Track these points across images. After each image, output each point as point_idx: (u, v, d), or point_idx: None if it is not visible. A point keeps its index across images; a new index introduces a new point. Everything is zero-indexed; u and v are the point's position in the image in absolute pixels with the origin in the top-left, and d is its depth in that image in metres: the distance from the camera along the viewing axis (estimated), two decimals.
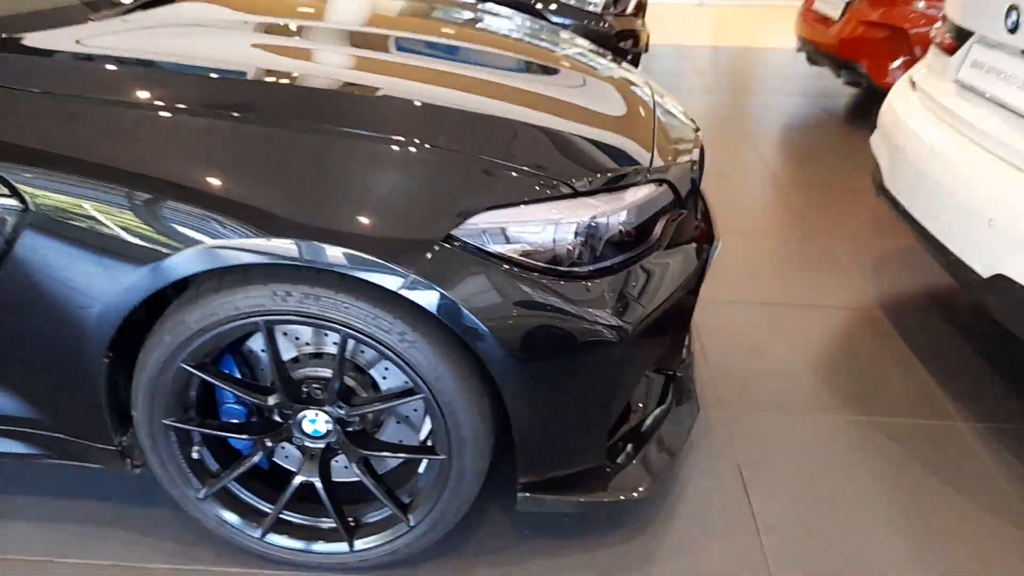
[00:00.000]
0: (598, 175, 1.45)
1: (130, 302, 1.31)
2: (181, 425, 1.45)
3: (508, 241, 1.33)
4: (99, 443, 1.49)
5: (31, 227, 1.28)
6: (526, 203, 1.35)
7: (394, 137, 1.33)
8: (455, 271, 1.28)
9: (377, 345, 1.33)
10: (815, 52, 4.98)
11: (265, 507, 1.56)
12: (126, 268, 1.29)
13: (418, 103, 1.46)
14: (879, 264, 2.95)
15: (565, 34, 2.50)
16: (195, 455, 1.50)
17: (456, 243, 1.29)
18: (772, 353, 2.36)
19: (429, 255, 1.27)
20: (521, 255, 1.34)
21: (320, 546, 1.55)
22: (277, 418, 1.48)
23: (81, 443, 1.50)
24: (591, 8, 4.21)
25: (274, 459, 1.62)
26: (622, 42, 4.32)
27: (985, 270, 1.90)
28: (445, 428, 1.39)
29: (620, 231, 1.46)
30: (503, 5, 4.11)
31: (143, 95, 1.34)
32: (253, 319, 1.33)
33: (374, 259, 1.25)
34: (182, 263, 1.28)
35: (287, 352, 1.46)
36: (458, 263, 1.28)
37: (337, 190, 1.28)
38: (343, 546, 1.53)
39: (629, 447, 1.63)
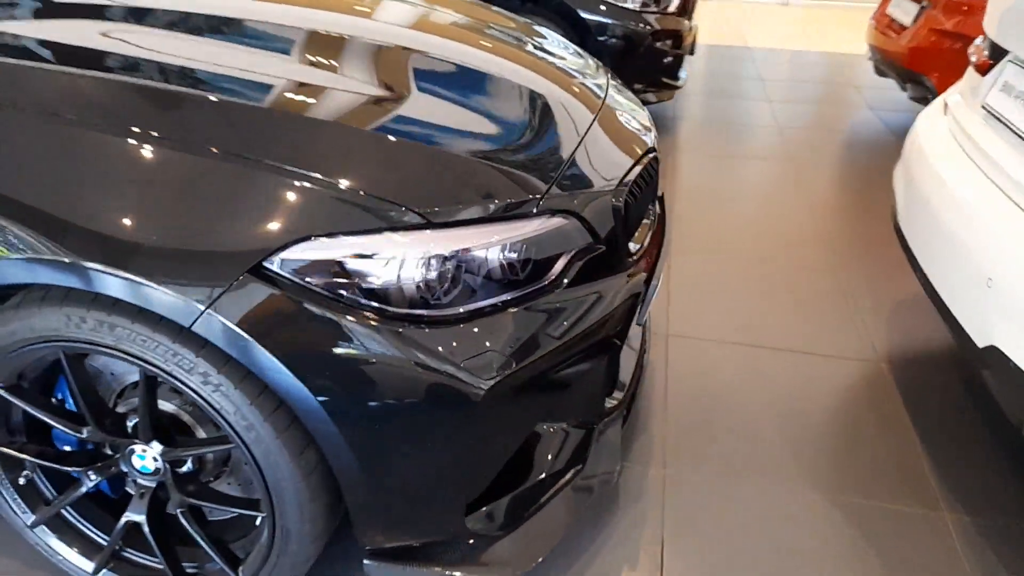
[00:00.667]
0: (466, 204, 1.25)
1: None
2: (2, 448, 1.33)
3: (338, 276, 1.15)
4: None
5: None
6: (362, 233, 1.16)
7: (198, 144, 1.16)
8: (258, 307, 1.11)
9: (179, 385, 1.17)
10: (882, 61, 4.53)
11: (103, 539, 1.43)
12: None
13: (243, 104, 1.26)
14: (897, 310, 2.59)
15: (540, 30, 2.27)
16: (22, 480, 1.38)
17: (267, 275, 1.12)
18: (743, 404, 2.09)
19: (229, 287, 1.10)
20: (355, 292, 1.15)
21: None
22: (107, 450, 1.35)
23: None
24: (627, 5, 3.94)
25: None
26: (659, 42, 4.02)
27: (980, 338, 1.58)
28: (264, 483, 1.22)
29: (499, 268, 1.26)
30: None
31: None
32: (51, 344, 1.19)
33: (158, 287, 1.09)
34: None
35: (115, 381, 1.32)
36: (264, 298, 1.10)
37: (127, 202, 1.12)
38: None
39: (500, 516, 1.42)
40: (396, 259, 1.16)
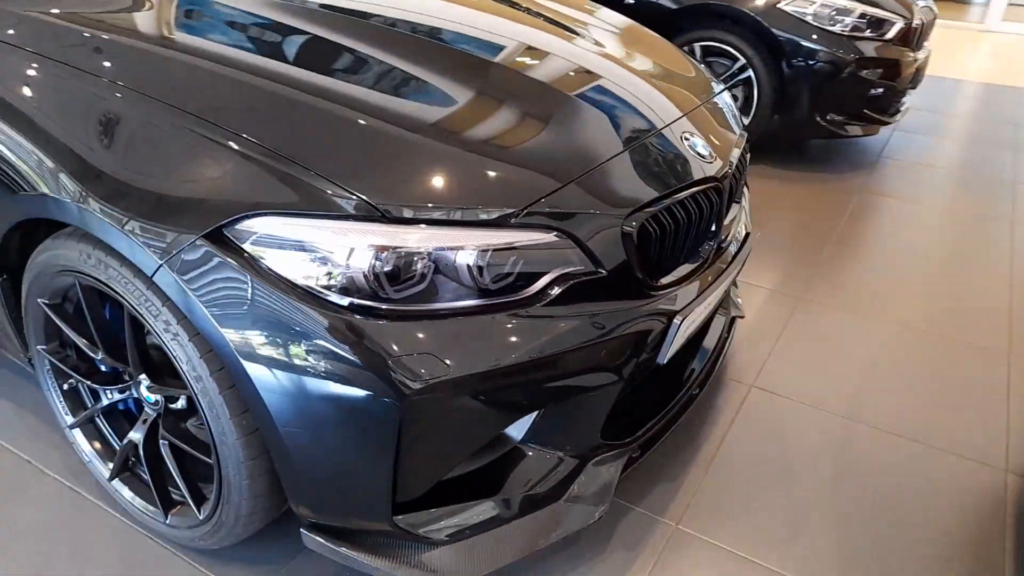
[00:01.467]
0: (444, 203, 1.25)
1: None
2: (49, 355, 1.57)
3: (289, 251, 1.20)
4: (11, 355, 1.69)
5: None
6: (316, 216, 1.20)
7: (193, 114, 1.27)
8: (208, 270, 1.19)
9: (150, 328, 1.30)
10: None
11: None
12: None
13: (248, 84, 1.37)
14: None
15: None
16: (66, 387, 1.62)
17: (222, 242, 1.20)
18: (805, 481, 1.83)
19: (185, 246, 1.20)
20: (304, 273, 1.20)
21: (144, 506, 1.58)
22: (125, 376, 1.54)
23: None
24: (832, 28, 3.57)
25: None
26: (865, 71, 3.60)
27: None
28: (210, 433, 1.32)
29: (467, 273, 1.24)
30: (722, 15, 3.71)
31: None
32: (71, 273, 1.39)
33: (129, 237, 1.22)
34: (24, 206, 1.38)
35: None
36: (214, 263, 1.19)
37: (131, 160, 1.27)
38: (160, 515, 1.54)
39: (444, 523, 1.39)
40: (346, 248, 1.19)
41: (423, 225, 1.23)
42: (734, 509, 1.74)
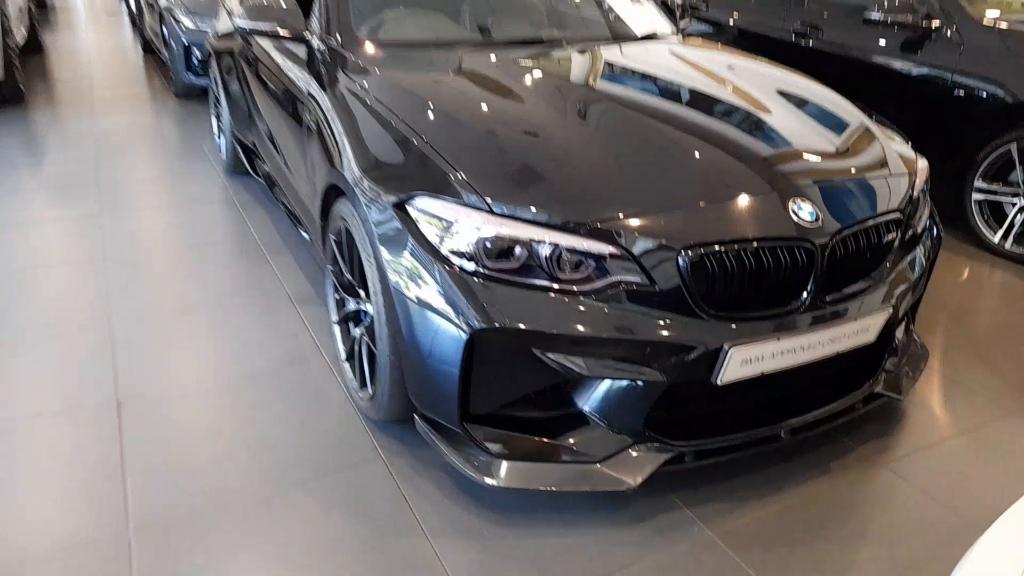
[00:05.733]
0: (534, 206, 1.78)
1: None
2: (332, 273, 2.46)
3: (433, 221, 1.85)
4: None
5: None
6: (451, 200, 1.83)
7: (408, 124, 2.06)
8: (389, 226, 1.91)
9: (363, 258, 2.06)
10: None
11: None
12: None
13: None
14: None
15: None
16: (336, 296, 2.50)
17: (401, 208, 1.90)
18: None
19: (386, 208, 1.93)
20: (439, 238, 1.83)
21: (352, 381, 2.36)
22: (359, 291, 2.34)
23: None
24: None
25: None
26: None
27: None
28: (376, 335, 2.03)
29: (545, 261, 1.76)
30: None
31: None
32: (343, 221, 2.22)
33: (363, 201, 2.00)
34: (333, 177, 2.28)
35: None
36: (394, 222, 1.90)
37: (371, 157, 2.06)
38: (358, 388, 2.30)
39: (503, 443, 1.87)
40: (464, 226, 1.79)
41: (515, 221, 1.77)
42: (772, 549, 1.88)
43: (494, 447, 1.88)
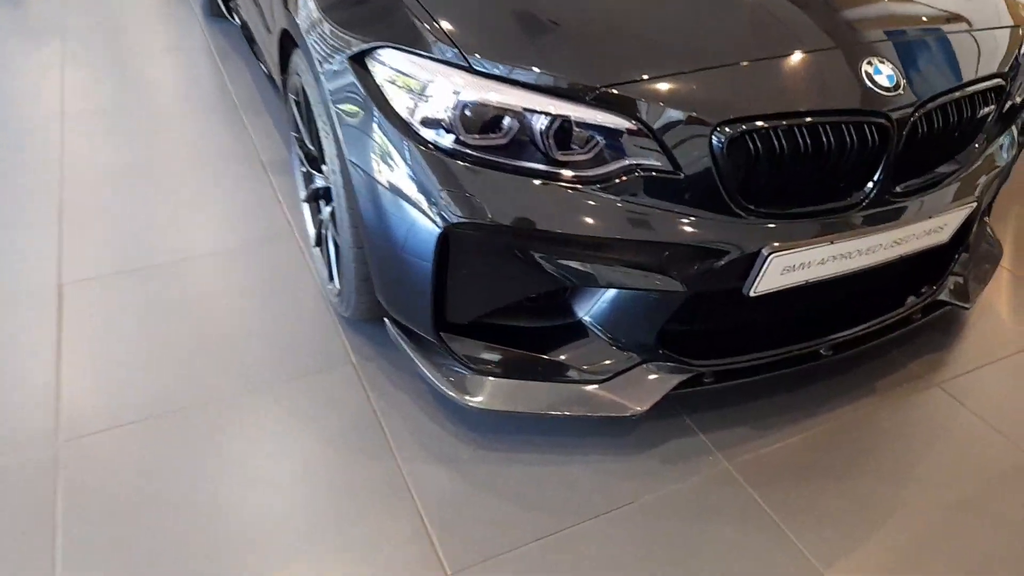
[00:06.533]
0: (523, 64, 1.36)
1: None
2: (296, 141, 2.07)
3: (398, 82, 1.44)
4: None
5: None
6: (420, 55, 1.41)
7: None
8: (344, 83, 1.50)
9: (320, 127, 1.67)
10: None
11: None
12: None
13: None
14: None
15: None
16: (303, 169, 2.12)
17: (361, 63, 1.49)
18: (891, 503, 1.58)
19: (340, 63, 1.52)
20: (407, 100, 1.43)
21: (321, 271, 2.05)
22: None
23: None
24: None
25: None
26: None
27: None
28: (337, 220, 1.68)
29: (535, 135, 1.36)
30: None
31: None
32: (298, 76, 1.81)
33: (316, 55, 1.58)
34: (281, 24, 1.84)
35: None
36: (352, 77, 1.49)
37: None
38: (327, 281, 1.98)
39: (487, 358, 1.57)
40: (439, 89, 1.38)
41: (505, 84, 1.36)
42: (798, 486, 1.60)
43: (475, 362, 1.58)
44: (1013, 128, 1.75)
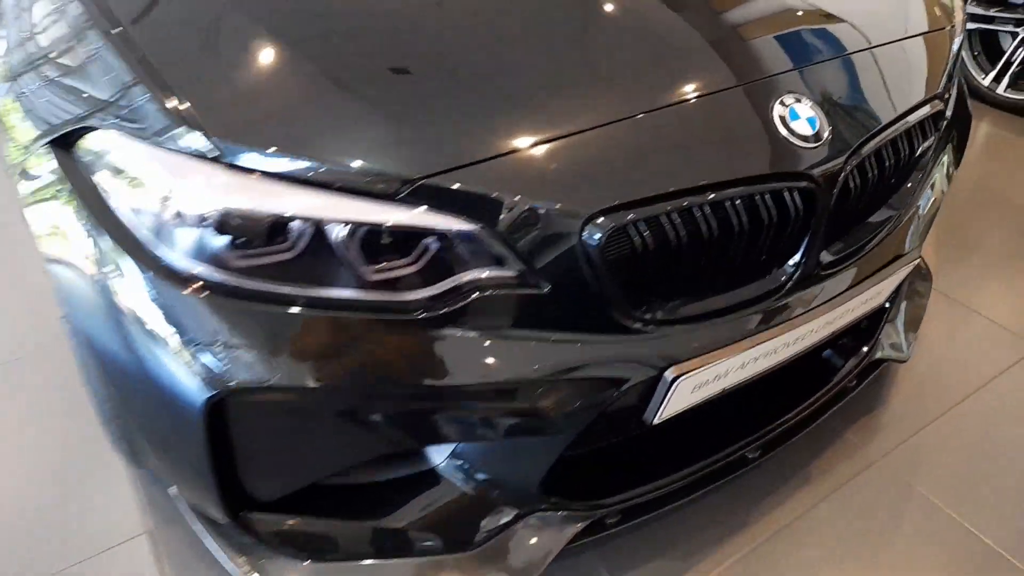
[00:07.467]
0: (304, 155, 0.91)
1: None
2: None
3: (122, 182, 0.97)
4: None
5: None
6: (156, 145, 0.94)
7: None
8: (30, 170, 1.01)
9: None
10: None
11: None
12: None
13: None
14: None
15: None
16: None
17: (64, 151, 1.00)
18: None
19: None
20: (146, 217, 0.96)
21: None
22: None
23: None
24: None
25: None
26: None
27: None
28: None
29: (334, 249, 0.92)
30: None
31: None
32: None
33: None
34: None
35: None
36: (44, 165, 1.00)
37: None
38: None
39: (305, 538, 1.13)
40: (179, 186, 0.92)
41: (275, 181, 0.91)
42: None
43: (288, 541, 1.14)
44: (948, 149, 1.44)
